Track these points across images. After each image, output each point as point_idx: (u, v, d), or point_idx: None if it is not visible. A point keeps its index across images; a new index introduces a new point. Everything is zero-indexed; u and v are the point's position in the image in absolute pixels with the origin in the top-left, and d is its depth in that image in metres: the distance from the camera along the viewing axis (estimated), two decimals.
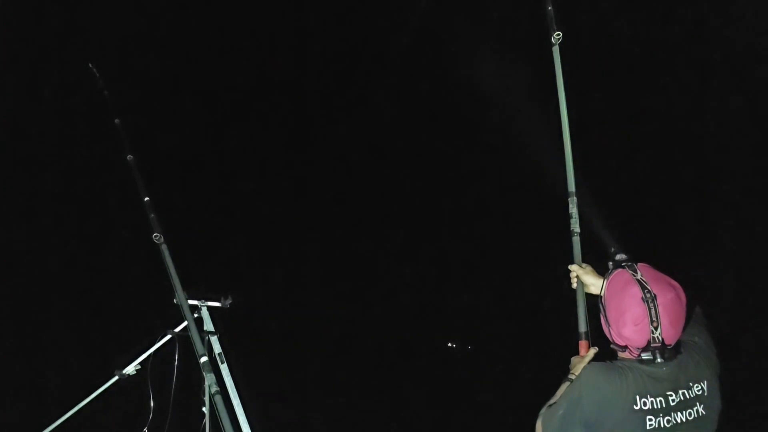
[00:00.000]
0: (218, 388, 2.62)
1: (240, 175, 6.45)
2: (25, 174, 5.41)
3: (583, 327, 2.16)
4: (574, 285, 2.20)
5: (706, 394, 1.81)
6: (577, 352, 2.11)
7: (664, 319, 1.73)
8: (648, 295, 1.74)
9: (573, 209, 2.24)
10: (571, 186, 2.26)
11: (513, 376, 6.10)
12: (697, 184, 5.56)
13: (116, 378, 3.26)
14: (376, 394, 6.02)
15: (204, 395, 3.10)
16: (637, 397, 1.74)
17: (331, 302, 6.68)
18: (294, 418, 5.33)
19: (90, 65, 3.61)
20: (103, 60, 3.71)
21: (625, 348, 1.82)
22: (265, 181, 6.59)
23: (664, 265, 1.86)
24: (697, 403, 1.79)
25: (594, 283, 2.11)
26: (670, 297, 1.75)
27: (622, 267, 1.85)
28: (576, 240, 2.25)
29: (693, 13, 5.18)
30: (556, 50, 2.33)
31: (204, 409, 3.15)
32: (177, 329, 3.15)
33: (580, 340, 2.15)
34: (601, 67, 5.21)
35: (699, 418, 1.79)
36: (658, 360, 1.76)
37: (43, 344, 5.14)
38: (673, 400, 1.77)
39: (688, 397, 1.79)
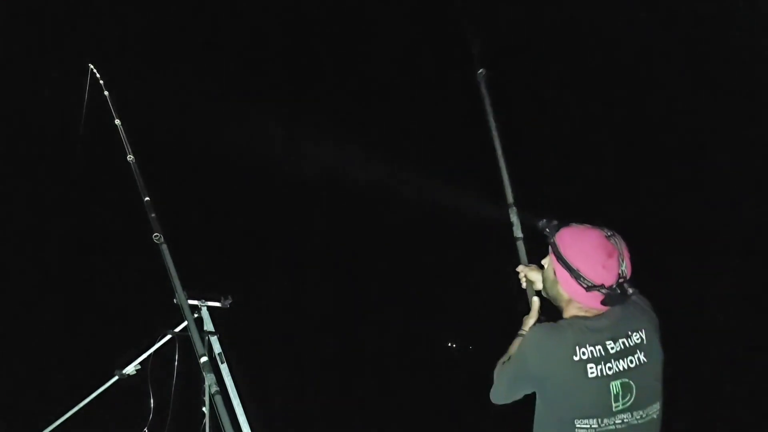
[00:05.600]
0: (218, 388, 2.63)
1: (240, 175, 6.45)
2: (26, 174, 5.41)
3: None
4: (524, 285, 2.31)
5: (645, 342, 1.85)
6: None
7: (624, 253, 1.81)
8: (608, 233, 1.83)
9: (513, 218, 2.47)
10: (510, 198, 2.48)
11: None
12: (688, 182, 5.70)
13: (116, 378, 3.26)
14: (376, 394, 6.03)
15: (204, 395, 3.10)
16: (577, 347, 1.80)
17: (330, 302, 6.69)
18: (294, 418, 5.33)
19: (90, 65, 3.61)
20: (103, 60, 3.71)
21: (593, 290, 1.81)
22: (265, 181, 6.59)
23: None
24: (638, 351, 1.84)
25: (538, 279, 2.18)
26: (618, 234, 1.84)
27: (559, 228, 1.92)
28: (520, 244, 2.44)
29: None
30: (482, 84, 2.55)
31: (204, 409, 3.15)
32: (177, 329, 3.15)
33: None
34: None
35: (641, 366, 1.83)
36: (630, 292, 1.80)
37: (43, 344, 5.14)
38: (612, 348, 1.82)
39: (627, 345, 1.83)
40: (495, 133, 2.51)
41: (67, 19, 5.40)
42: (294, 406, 5.54)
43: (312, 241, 6.83)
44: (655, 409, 1.86)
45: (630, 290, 1.80)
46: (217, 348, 3.26)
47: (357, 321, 6.66)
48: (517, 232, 2.44)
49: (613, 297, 1.81)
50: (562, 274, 1.87)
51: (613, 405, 1.80)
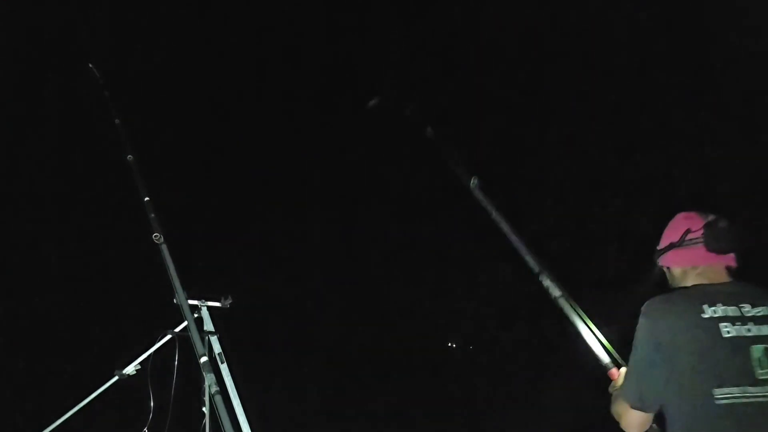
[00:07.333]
0: (218, 388, 2.62)
1: (240, 175, 6.45)
2: (26, 174, 5.41)
3: (605, 359, 2.08)
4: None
5: None
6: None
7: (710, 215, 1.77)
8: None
9: (546, 282, 2.33)
10: (536, 269, 2.38)
11: (513, 375, 6.11)
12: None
13: (116, 378, 3.26)
14: (376, 394, 6.03)
15: (204, 395, 3.09)
16: (705, 305, 1.62)
17: (330, 302, 6.69)
18: (294, 418, 5.33)
19: (90, 65, 3.60)
20: (103, 60, 3.70)
21: (684, 243, 1.74)
22: (265, 181, 6.59)
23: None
24: None
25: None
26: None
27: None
28: (562, 301, 2.28)
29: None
30: (477, 192, 2.60)
31: (204, 409, 3.14)
32: (177, 329, 3.14)
33: (608, 370, 2.06)
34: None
35: None
36: (726, 223, 1.72)
37: (43, 344, 5.14)
38: (747, 312, 1.62)
39: (765, 313, 1.62)
40: (504, 226, 2.53)
41: (67, 20, 5.40)
42: (294, 406, 5.54)
43: (312, 240, 6.83)
44: None
45: (725, 222, 1.71)
46: (217, 348, 3.25)
47: (357, 321, 6.65)
48: (555, 292, 2.31)
49: (710, 235, 1.70)
50: (664, 258, 1.83)
51: (757, 371, 1.55)
